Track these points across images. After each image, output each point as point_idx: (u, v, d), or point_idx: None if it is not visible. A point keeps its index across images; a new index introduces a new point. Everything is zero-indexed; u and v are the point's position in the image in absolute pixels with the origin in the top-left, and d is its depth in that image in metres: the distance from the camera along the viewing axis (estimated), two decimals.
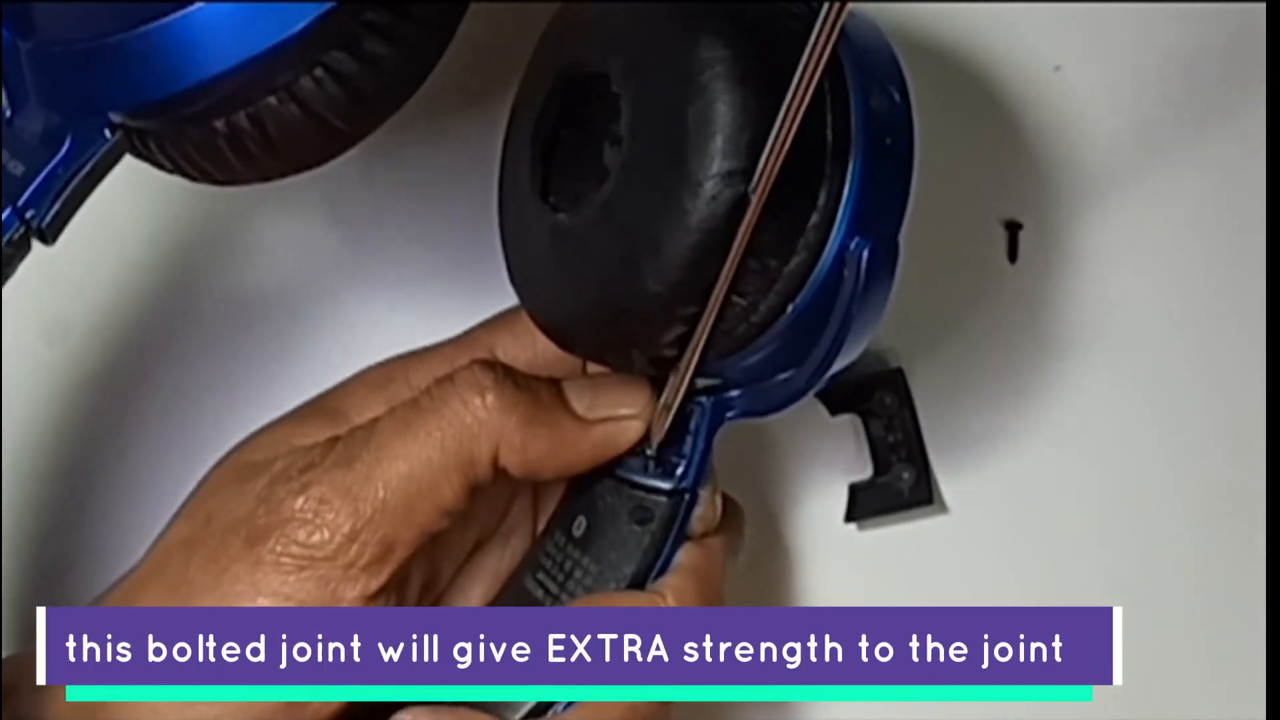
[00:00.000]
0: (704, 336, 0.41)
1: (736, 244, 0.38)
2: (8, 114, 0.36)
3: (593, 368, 0.48)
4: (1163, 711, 0.51)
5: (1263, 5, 0.50)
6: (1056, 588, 0.52)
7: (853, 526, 0.52)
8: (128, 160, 0.37)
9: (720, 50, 0.38)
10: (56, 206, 0.35)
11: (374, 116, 0.37)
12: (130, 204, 0.47)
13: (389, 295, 0.52)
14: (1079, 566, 0.52)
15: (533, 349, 0.47)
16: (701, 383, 0.44)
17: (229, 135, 0.35)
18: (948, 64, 0.52)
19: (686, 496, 0.44)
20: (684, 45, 0.39)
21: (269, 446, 0.44)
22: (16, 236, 0.35)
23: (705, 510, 0.45)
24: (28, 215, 0.35)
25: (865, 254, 0.39)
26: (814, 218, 0.39)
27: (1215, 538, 0.52)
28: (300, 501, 0.42)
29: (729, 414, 0.44)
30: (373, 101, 0.37)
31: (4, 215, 0.35)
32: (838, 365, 0.41)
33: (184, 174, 0.37)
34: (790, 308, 0.40)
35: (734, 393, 0.44)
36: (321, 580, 0.41)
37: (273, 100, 0.35)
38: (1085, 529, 0.52)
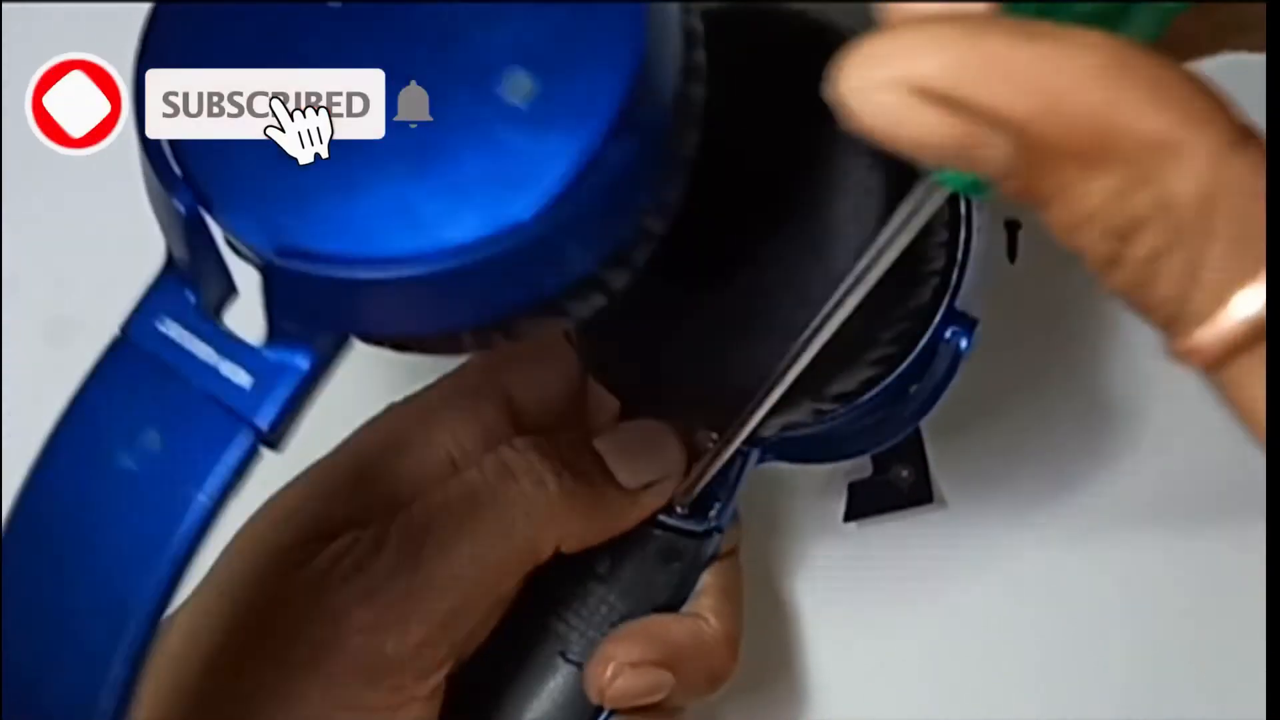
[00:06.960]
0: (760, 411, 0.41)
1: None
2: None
3: (593, 403, 0.47)
4: (1163, 711, 0.52)
5: (1262, 5, 0.51)
6: (1057, 585, 0.53)
7: (853, 525, 0.53)
8: None
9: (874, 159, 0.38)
10: (292, 417, 0.32)
11: None
12: None
13: None
14: (1079, 564, 0.53)
15: (542, 390, 0.47)
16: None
17: (474, 339, 0.32)
18: None
19: (715, 535, 0.46)
20: (840, 154, 0.39)
21: (297, 524, 0.43)
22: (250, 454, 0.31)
23: (727, 534, 0.47)
24: (270, 437, 0.31)
25: (962, 344, 0.40)
26: (918, 303, 0.40)
27: (1216, 534, 0.53)
28: (368, 615, 0.41)
29: (766, 455, 0.46)
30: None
31: (238, 437, 0.31)
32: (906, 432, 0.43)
33: (402, 351, 0.34)
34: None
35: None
36: (395, 688, 0.41)
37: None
38: (1086, 526, 0.53)
